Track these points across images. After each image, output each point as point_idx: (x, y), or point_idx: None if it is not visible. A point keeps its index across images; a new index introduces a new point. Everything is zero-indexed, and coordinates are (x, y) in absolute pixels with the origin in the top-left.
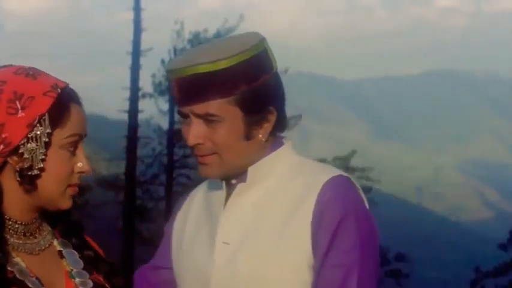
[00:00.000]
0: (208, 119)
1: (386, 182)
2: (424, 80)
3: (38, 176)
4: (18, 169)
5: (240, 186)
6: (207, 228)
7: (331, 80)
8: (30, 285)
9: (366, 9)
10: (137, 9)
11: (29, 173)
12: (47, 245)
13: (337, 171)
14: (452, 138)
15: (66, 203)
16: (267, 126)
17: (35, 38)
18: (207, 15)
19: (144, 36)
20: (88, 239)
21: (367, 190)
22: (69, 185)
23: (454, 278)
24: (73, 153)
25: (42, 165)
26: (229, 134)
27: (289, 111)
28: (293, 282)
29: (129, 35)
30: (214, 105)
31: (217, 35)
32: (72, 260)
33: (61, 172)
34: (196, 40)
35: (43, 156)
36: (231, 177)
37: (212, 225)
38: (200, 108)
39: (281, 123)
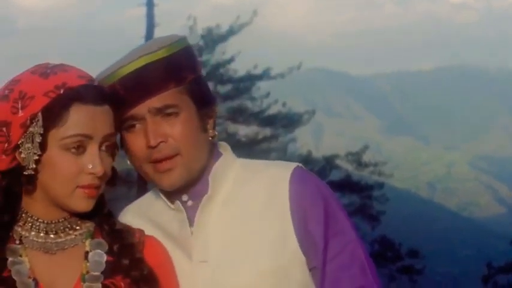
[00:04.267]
0: (166, 112)
1: (399, 177)
2: (436, 76)
3: (33, 176)
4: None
5: (205, 199)
6: (173, 252)
7: (344, 75)
8: (19, 287)
9: (378, 4)
10: (150, 4)
11: (24, 172)
12: (73, 245)
13: (292, 164)
14: (464, 134)
15: (79, 205)
16: (213, 122)
17: (47, 34)
18: (220, 11)
19: (157, 32)
20: (150, 242)
21: (380, 185)
22: (80, 187)
23: (466, 274)
24: (80, 154)
25: (34, 166)
26: (188, 125)
27: (302, 106)
28: (287, 285)
29: (141, 30)
30: (171, 95)
31: (230, 31)
32: (94, 262)
33: (63, 173)
34: (209, 36)
35: (36, 157)
36: (187, 187)
37: (180, 248)
38: (158, 100)
39: (215, 125)
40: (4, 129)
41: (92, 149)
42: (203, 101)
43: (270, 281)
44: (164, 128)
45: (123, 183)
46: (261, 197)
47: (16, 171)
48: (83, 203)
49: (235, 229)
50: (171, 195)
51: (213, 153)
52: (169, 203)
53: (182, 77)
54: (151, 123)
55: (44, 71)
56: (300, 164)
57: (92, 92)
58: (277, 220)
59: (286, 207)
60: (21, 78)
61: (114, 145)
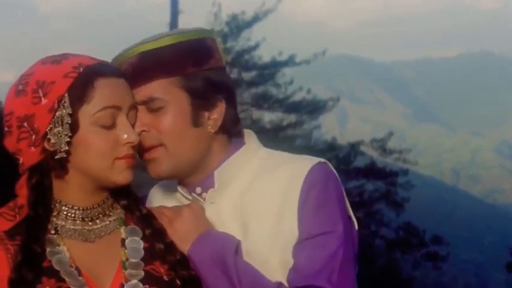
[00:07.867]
0: (151, 105)
1: (423, 164)
2: (460, 63)
3: (65, 159)
4: (49, 155)
5: (210, 193)
6: None
7: (368, 62)
8: (63, 276)
9: None
10: None
11: (56, 157)
12: (109, 232)
13: (313, 160)
14: (489, 120)
15: (120, 178)
16: (216, 117)
17: (69, 20)
18: None
19: (181, 19)
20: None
21: (404, 172)
22: (118, 158)
23: (490, 260)
24: (112, 127)
25: (67, 148)
26: (175, 118)
27: (327, 93)
28: None
29: (166, 17)
30: (158, 87)
31: (255, 17)
32: (132, 249)
33: (100, 149)
34: (234, 22)
35: (68, 139)
36: (183, 177)
37: None
38: (143, 91)
39: (233, 122)
40: (25, 123)
41: (122, 120)
42: (202, 95)
43: (279, 276)
44: (147, 118)
45: (146, 169)
46: (275, 194)
47: (44, 165)
48: (124, 175)
49: (244, 223)
50: (187, 186)
51: (234, 144)
52: (186, 194)
53: (178, 68)
54: (138, 111)
55: (54, 59)
56: (323, 160)
57: (109, 67)
58: (285, 218)
59: (295, 208)
60: (33, 71)
61: (135, 118)
